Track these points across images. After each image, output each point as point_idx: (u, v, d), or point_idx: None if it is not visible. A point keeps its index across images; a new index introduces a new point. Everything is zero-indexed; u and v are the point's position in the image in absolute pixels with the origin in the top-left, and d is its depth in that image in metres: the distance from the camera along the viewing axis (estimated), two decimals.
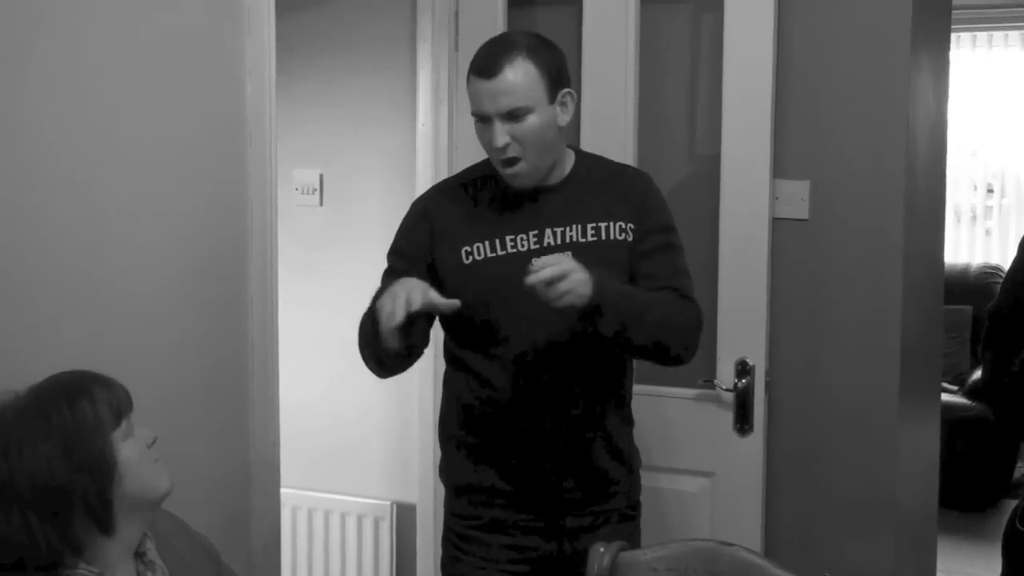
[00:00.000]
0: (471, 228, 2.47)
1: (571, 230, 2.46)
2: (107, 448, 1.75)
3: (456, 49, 3.45)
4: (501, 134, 2.35)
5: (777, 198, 3.14)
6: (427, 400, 3.55)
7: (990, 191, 7.20)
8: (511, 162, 2.39)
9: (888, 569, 3.14)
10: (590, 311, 2.27)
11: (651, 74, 3.26)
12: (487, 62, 2.35)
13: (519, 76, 2.34)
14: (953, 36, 4.17)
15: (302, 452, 3.66)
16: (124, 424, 1.79)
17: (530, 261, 2.37)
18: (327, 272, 3.82)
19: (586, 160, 2.55)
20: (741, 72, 3.11)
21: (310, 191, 3.84)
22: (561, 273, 2.21)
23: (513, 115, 2.35)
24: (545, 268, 2.21)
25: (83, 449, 1.72)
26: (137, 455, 1.79)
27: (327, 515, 3.89)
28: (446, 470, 2.62)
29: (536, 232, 2.45)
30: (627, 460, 2.58)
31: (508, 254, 2.44)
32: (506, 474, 2.48)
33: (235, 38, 2.56)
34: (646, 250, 2.48)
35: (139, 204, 2.30)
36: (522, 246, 2.45)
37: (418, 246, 2.50)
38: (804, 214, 3.14)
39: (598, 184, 2.52)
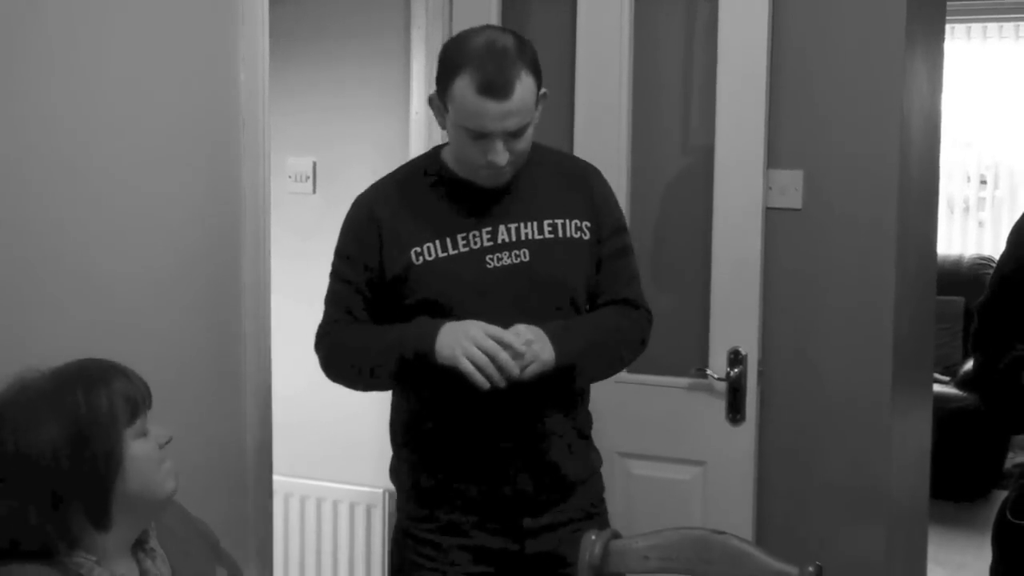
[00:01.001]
0: (420, 227, 2.39)
1: (526, 227, 2.40)
2: (116, 444, 1.73)
3: (451, 37, 3.44)
4: (502, 153, 2.29)
5: (771, 188, 3.14)
6: None
7: (983, 182, 7.21)
8: (500, 171, 2.34)
9: (879, 558, 3.15)
10: (559, 369, 2.30)
11: (645, 65, 3.26)
12: (497, 81, 2.23)
13: (526, 92, 2.27)
14: (948, 27, 4.17)
15: (295, 440, 3.66)
16: (139, 422, 1.76)
17: (484, 259, 2.37)
18: (320, 260, 3.79)
19: (537, 151, 2.46)
20: (735, 62, 3.11)
21: (303, 179, 3.84)
22: (519, 351, 2.23)
23: (516, 133, 2.29)
24: (500, 353, 2.22)
25: (91, 440, 1.70)
26: (145, 455, 1.76)
27: (319, 503, 3.90)
28: (396, 473, 2.56)
29: (489, 229, 2.39)
30: (585, 460, 2.52)
31: (460, 253, 2.38)
32: (459, 477, 2.42)
33: (228, 26, 2.55)
34: (605, 255, 2.47)
35: (132, 192, 2.29)
36: (475, 243, 2.38)
37: (365, 249, 2.43)
38: (798, 204, 3.14)
39: (551, 178, 2.47)
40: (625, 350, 2.52)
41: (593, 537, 2.30)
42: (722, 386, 3.15)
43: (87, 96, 2.18)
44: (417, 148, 3.52)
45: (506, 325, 2.30)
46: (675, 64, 3.31)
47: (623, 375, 2.90)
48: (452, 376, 2.26)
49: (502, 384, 2.24)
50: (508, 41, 2.29)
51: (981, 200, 7.23)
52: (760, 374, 3.15)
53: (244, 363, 2.63)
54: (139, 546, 1.83)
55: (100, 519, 1.73)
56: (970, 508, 5.62)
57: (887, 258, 3.09)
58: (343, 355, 2.45)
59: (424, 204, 2.42)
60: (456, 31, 3.39)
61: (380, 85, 3.70)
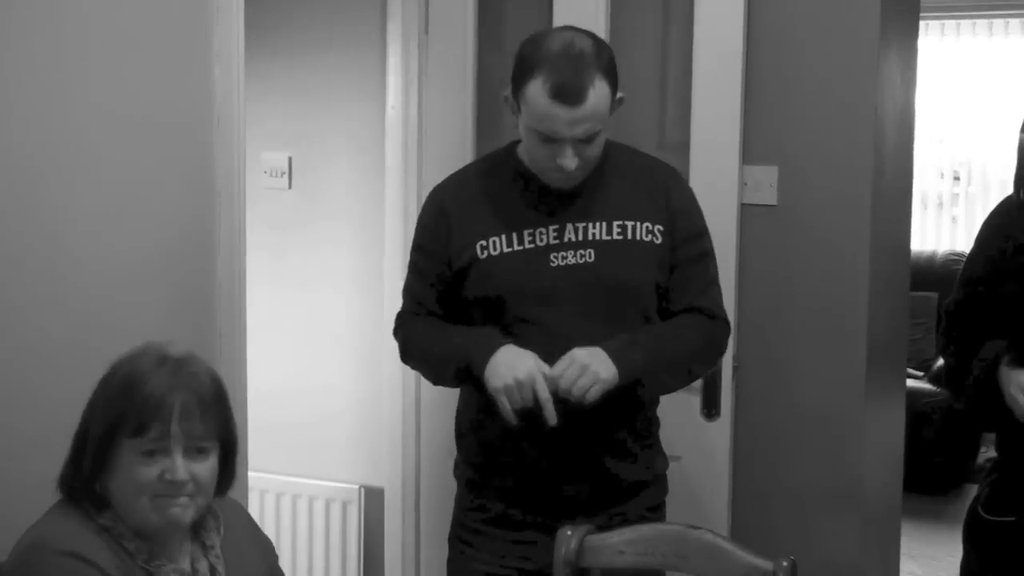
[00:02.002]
0: (487, 220, 2.39)
1: (594, 227, 2.39)
2: (109, 452, 1.76)
3: (426, 32, 3.44)
4: (571, 158, 2.28)
5: (746, 184, 3.14)
6: (396, 383, 3.55)
7: (956, 179, 7.26)
8: (569, 177, 2.32)
9: (853, 552, 3.16)
10: (628, 384, 2.28)
11: (621, 61, 3.25)
12: (571, 87, 2.21)
13: (599, 99, 2.25)
14: (922, 24, 4.18)
15: (270, 436, 3.66)
16: (144, 440, 1.75)
17: (548, 257, 2.35)
18: (296, 256, 3.81)
19: (613, 150, 2.45)
20: (710, 58, 3.11)
21: (279, 174, 3.82)
22: (577, 373, 2.22)
23: (587, 139, 2.28)
24: (560, 380, 2.22)
25: (97, 421, 1.77)
26: (135, 476, 1.75)
27: (295, 499, 3.88)
28: (459, 466, 2.58)
29: (556, 227, 2.38)
30: (648, 465, 2.52)
31: (525, 249, 2.37)
32: (516, 475, 2.42)
33: (203, 20, 2.54)
34: (680, 260, 2.44)
35: (106, 188, 2.28)
36: (540, 241, 2.37)
37: (437, 241, 2.44)
38: (772, 200, 3.15)
39: (626, 178, 2.44)
40: (695, 361, 2.49)
41: (569, 532, 2.30)
42: (697, 382, 3.15)
43: (60, 92, 2.17)
44: (393, 143, 3.51)
45: (566, 326, 2.32)
46: (651, 60, 3.31)
47: None
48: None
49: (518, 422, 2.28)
50: (586, 45, 2.27)
51: (954, 196, 7.28)
52: (735, 370, 3.15)
53: (219, 359, 2.62)
54: (203, 548, 1.87)
55: (94, 503, 1.78)
56: (943, 502, 5.66)
57: (861, 254, 3.11)
58: (412, 351, 2.48)
59: (495, 198, 2.42)
60: (432, 27, 3.40)
61: (356, 80, 3.69)
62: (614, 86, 2.31)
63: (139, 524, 1.78)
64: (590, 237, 2.38)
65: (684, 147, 3.16)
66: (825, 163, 3.12)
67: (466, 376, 2.36)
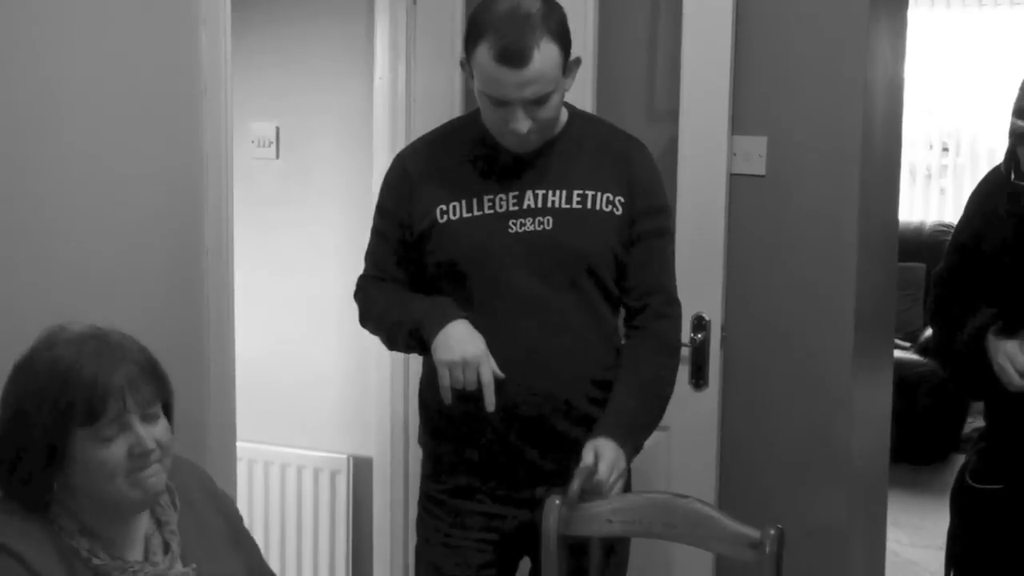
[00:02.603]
0: (449, 185, 2.40)
1: (554, 194, 2.39)
2: (58, 449, 1.70)
3: (415, 2, 3.43)
4: (523, 120, 2.27)
5: (735, 154, 3.14)
6: (384, 354, 3.53)
7: (945, 150, 7.26)
8: (524, 139, 2.32)
9: (840, 521, 3.18)
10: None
11: (610, 30, 3.25)
12: (514, 48, 2.20)
13: (546, 61, 2.24)
14: None
15: (258, 406, 3.66)
16: (99, 427, 1.71)
17: (507, 223, 2.36)
18: (284, 225, 3.80)
19: (579, 120, 2.46)
20: (700, 28, 3.10)
21: (266, 144, 3.81)
22: (616, 476, 2.29)
23: (538, 101, 2.27)
24: (602, 484, 2.28)
25: (34, 428, 1.70)
26: (99, 461, 1.71)
27: (283, 469, 3.89)
28: (422, 434, 2.59)
29: (516, 193, 2.38)
30: None
31: (484, 215, 2.38)
32: (477, 444, 2.43)
33: None
34: (638, 234, 2.43)
35: (92, 158, 2.27)
36: (500, 207, 2.38)
37: (399, 205, 2.45)
38: (761, 170, 3.15)
39: (589, 148, 2.44)
40: (669, 388, 2.52)
41: (557, 501, 2.31)
42: (686, 351, 3.14)
43: (44, 62, 2.15)
44: (381, 113, 3.50)
45: (524, 292, 2.35)
46: (640, 30, 3.30)
47: None
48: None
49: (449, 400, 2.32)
50: (533, 7, 2.25)
51: (943, 167, 7.28)
52: (723, 340, 3.16)
53: (207, 329, 2.62)
54: (155, 523, 1.84)
55: (35, 502, 1.73)
56: (930, 472, 5.68)
57: (849, 224, 3.11)
58: (369, 313, 2.50)
59: (457, 164, 2.42)
60: None
61: (344, 50, 3.67)
62: (565, 48, 2.29)
63: (116, 505, 1.75)
64: (549, 205, 2.38)
65: (673, 117, 3.16)
66: (814, 134, 3.12)
67: (416, 343, 2.38)
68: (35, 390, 1.71)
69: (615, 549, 2.51)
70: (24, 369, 1.74)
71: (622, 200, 2.41)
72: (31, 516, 1.72)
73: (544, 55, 2.23)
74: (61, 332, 1.76)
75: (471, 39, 2.28)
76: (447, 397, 2.32)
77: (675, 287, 2.52)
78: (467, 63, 2.33)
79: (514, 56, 2.21)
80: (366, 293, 2.53)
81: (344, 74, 3.68)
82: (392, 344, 2.53)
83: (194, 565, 1.84)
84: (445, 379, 2.30)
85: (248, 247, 3.39)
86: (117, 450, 1.72)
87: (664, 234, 2.49)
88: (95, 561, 1.73)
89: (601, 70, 3.23)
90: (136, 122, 2.38)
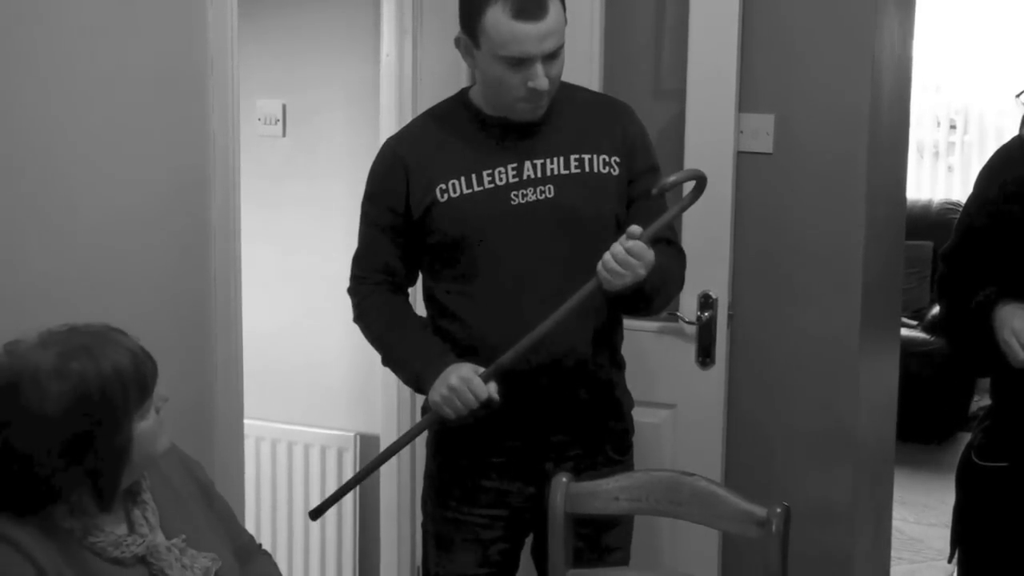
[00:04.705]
0: (445, 164, 2.40)
1: (552, 162, 2.40)
2: (128, 437, 1.74)
3: None
4: (543, 77, 2.28)
5: (742, 132, 3.14)
6: None
7: (953, 127, 7.23)
8: (540, 98, 2.33)
9: (846, 499, 3.19)
10: (632, 291, 2.29)
11: (617, 7, 3.24)
12: (530, 3, 2.24)
13: (557, 11, 2.28)
14: None
15: (265, 383, 3.67)
16: (147, 403, 1.77)
17: (509, 195, 2.36)
18: (290, 203, 3.80)
19: (566, 88, 2.46)
20: (708, 5, 3.09)
21: (273, 121, 3.81)
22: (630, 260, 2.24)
23: (553, 54, 2.29)
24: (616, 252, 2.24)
25: (107, 438, 1.71)
26: (149, 430, 1.78)
27: (290, 446, 3.90)
28: (426, 411, 2.59)
29: (515, 165, 2.39)
30: (616, 403, 2.54)
31: (485, 189, 2.38)
32: (485, 417, 2.42)
33: None
34: (637, 194, 2.45)
35: (99, 136, 2.27)
36: (500, 180, 2.39)
37: (390, 191, 2.45)
38: (768, 148, 3.15)
39: (578, 112, 2.45)
40: (678, 277, 2.52)
41: (564, 479, 2.32)
42: (692, 329, 3.16)
43: (51, 40, 2.15)
44: (388, 91, 3.49)
45: (530, 263, 2.36)
46: (647, 8, 3.29)
47: None
48: (484, 311, 2.40)
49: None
50: None
51: (951, 145, 7.25)
52: (730, 318, 3.16)
53: (215, 306, 2.62)
54: (130, 497, 1.84)
55: (106, 503, 1.75)
56: (936, 450, 5.69)
57: (857, 202, 3.11)
58: (368, 333, 2.54)
59: (450, 142, 2.43)
60: None
61: (351, 27, 3.66)
62: (563, 2, 2.33)
63: (159, 454, 1.83)
64: (549, 173, 2.40)
65: (681, 95, 3.15)
66: (821, 111, 3.11)
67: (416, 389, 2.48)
68: (80, 396, 1.69)
69: (620, 521, 2.52)
70: (37, 387, 1.69)
71: (617, 160, 2.44)
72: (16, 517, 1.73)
73: (556, 5, 2.27)
74: (19, 346, 1.73)
75: (475, 9, 2.29)
76: (452, 420, 2.37)
77: (678, 239, 2.55)
78: (468, 37, 2.33)
79: (532, 9, 2.24)
80: (363, 307, 2.55)
81: (351, 52, 3.68)
82: (386, 365, 2.58)
83: (183, 536, 1.86)
84: (446, 413, 2.35)
85: (255, 225, 3.39)
86: (153, 410, 1.79)
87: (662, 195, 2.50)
88: (90, 539, 1.74)
89: (608, 48, 3.22)
90: (143, 100, 2.38)
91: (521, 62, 2.27)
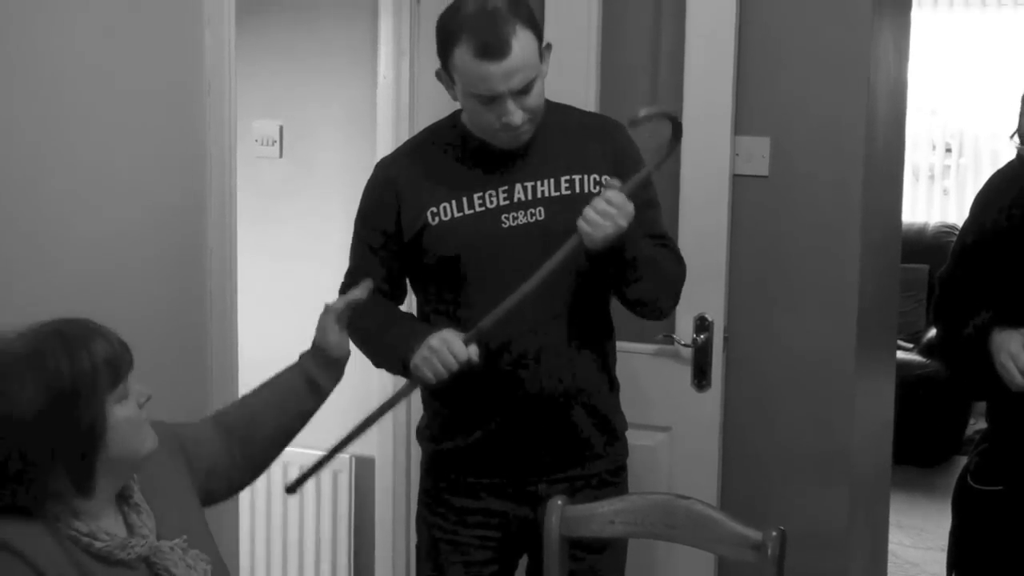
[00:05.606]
0: (436, 188, 2.41)
1: (543, 184, 2.40)
2: (100, 412, 1.72)
3: (418, 1, 3.42)
4: (515, 111, 2.29)
5: (738, 154, 3.14)
6: None
7: (948, 150, 7.25)
8: (516, 130, 2.33)
9: (842, 522, 3.18)
10: (610, 249, 2.28)
11: (614, 29, 3.25)
12: (492, 41, 2.23)
13: (524, 48, 2.26)
14: None
15: None
16: (121, 386, 1.76)
17: (500, 219, 2.36)
18: (287, 225, 3.80)
19: (555, 110, 2.47)
20: (704, 28, 3.10)
21: (269, 143, 3.81)
22: (608, 209, 2.23)
23: (524, 89, 2.29)
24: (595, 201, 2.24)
25: (76, 412, 1.69)
26: (127, 418, 1.76)
27: (286, 467, 3.87)
28: (422, 432, 2.60)
29: (506, 188, 2.39)
30: (609, 425, 2.53)
31: (476, 212, 2.39)
32: (477, 438, 2.44)
33: None
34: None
35: (96, 157, 2.27)
36: (491, 203, 2.39)
37: (381, 212, 2.46)
38: (764, 171, 3.15)
39: (568, 133, 2.46)
40: (673, 271, 2.49)
41: (559, 501, 2.31)
42: (688, 352, 3.16)
43: (49, 60, 2.15)
44: (385, 112, 3.50)
45: (520, 285, 2.33)
46: (644, 31, 3.30)
47: None
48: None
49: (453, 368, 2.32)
50: (499, 1, 2.28)
51: (946, 168, 7.27)
52: (726, 340, 3.16)
53: (210, 327, 2.62)
54: (123, 500, 1.83)
55: (84, 486, 1.73)
56: (932, 473, 5.68)
57: (852, 225, 3.11)
58: (356, 336, 2.48)
59: (442, 165, 2.43)
60: None
61: (348, 49, 3.67)
62: (538, 34, 2.33)
63: (145, 453, 1.80)
64: (539, 195, 2.40)
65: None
66: (817, 134, 3.12)
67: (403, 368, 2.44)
68: (51, 375, 1.69)
69: (612, 544, 2.52)
70: (9, 375, 1.69)
71: (608, 178, 2.42)
72: (30, 520, 1.72)
73: (521, 42, 2.26)
74: (16, 333, 1.73)
75: (446, 46, 2.30)
76: (431, 382, 2.34)
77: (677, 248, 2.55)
78: (444, 72, 2.35)
79: (494, 49, 2.23)
80: (354, 321, 2.50)
81: (347, 73, 3.68)
82: (378, 365, 2.58)
83: (185, 536, 1.86)
84: (426, 375, 2.33)
85: (251, 246, 3.39)
86: (132, 405, 1.77)
87: (654, 205, 2.51)
88: (97, 545, 1.74)
89: (604, 70, 3.23)
90: (140, 121, 2.39)
91: (491, 99, 2.28)
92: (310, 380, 2.28)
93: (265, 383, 2.23)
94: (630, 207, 2.26)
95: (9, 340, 1.72)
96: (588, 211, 2.25)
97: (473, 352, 2.31)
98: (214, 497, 2.11)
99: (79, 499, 1.74)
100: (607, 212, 2.24)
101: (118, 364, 1.75)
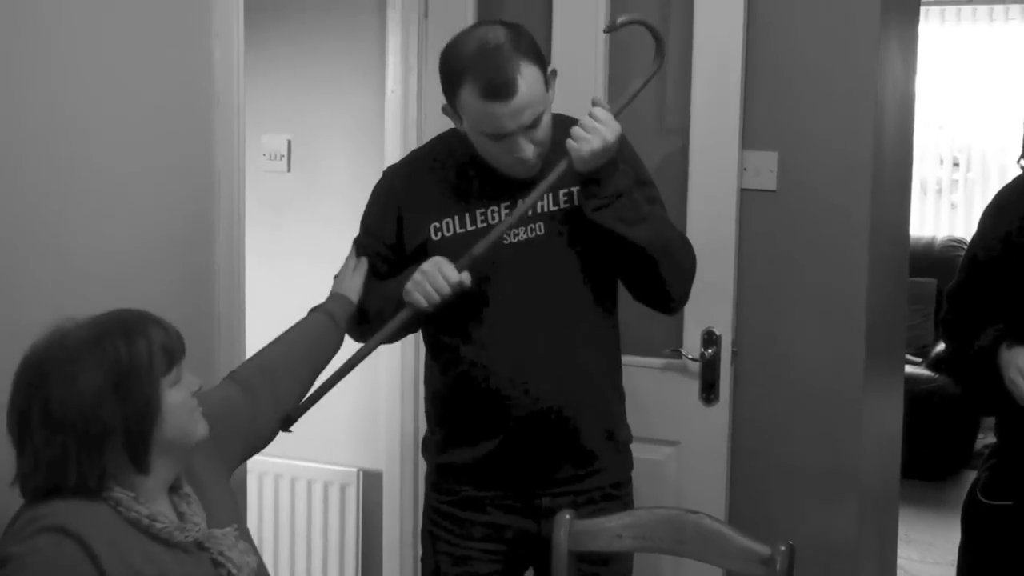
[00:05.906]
0: (439, 202, 2.42)
1: (543, 199, 2.40)
2: (155, 392, 1.80)
3: (426, 16, 3.44)
4: (527, 147, 2.30)
5: (745, 169, 3.14)
6: (394, 367, 3.55)
7: (956, 165, 7.25)
8: (528, 163, 2.33)
9: (851, 537, 3.17)
10: (600, 171, 2.29)
11: (620, 44, 3.25)
12: (499, 82, 2.22)
13: (531, 84, 2.25)
14: (922, 10, 4.18)
15: None
16: (174, 371, 1.84)
17: (502, 236, 2.36)
18: (294, 239, 3.81)
19: (556, 124, 2.44)
20: (711, 43, 3.11)
21: (278, 157, 3.82)
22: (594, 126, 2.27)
23: (533, 124, 2.29)
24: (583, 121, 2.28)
25: (133, 389, 1.77)
26: (180, 402, 1.84)
27: (293, 482, 3.89)
28: (427, 445, 2.60)
29: (508, 204, 2.39)
30: (614, 437, 2.53)
31: (478, 229, 2.39)
32: (482, 452, 2.44)
33: (202, 1, 2.53)
34: None
35: (104, 172, 2.28)
36: (493, 219, 2.40)
37: (383, 222, 2.48)
38: (772, 185, 3.15)
39: (566, 145, 2.44)
40: (676, 242, 2.47)
41: (568, 516, 2.31)
42: (696, 367, 3.16)
43: (57, 74, 2.16)
44: (393, 127, 3.51)
45: (523, 301, 2.36)
46: (651, 45, 3.30)
47: None
48: (481, 349, 2.38)
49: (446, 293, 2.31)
50: (500, 36, 2.26)
51: (954, 182, 7.27)
52: (734, 355, 3.16)
53: (218, 343, 2.62)
54: (174, 491, 1.90)
55: (140, 462, 1.79)
56: (940, 488, 5.67)
57: (860, 239, 3.11)
58: (361, 313, 2.51)
59: (445, 180, 2.44)
60: (432, 11, 3.39)
61: (356, 63, 3.68)
62: (542, 64, 2.32)
63: (197, 439, 1.89)
64: (539, 210, 2.40)
65: (684, 132, 3.16)
66: (825, 149, 3.12)
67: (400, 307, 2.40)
68: (110, 357, 1.77)
69: (617, 559, 2.51)
70: (71, 358, 1.77)
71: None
72: (98, 503, 1.78)
73: (527, 79, 2.25)
74: (67, 323, 1.83)
75: (451, 86, 2.30)
76: (424, 306, 2.33)
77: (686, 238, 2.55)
78: (451, 108, 2.35)
79: (500, 89, 2.22)
80: (359, 307, 2.53)
81: (356, 88, 3.69)
82: (390, 337, 2.50)
83: (235, 525, 1.94)
84: (418, 300, 2.32)
85: (259, 260, 3.40)
86: (183, 391, 1.86)
87: (655, 200, 2.50)
88: (157, 526, 1.79)
89: (612, 84, 3.23)
90: (148, 135, 2.39)
91: (501, 136, 2.28)
92: (327, 311, 2.47)
93: (280, 335, 2.41)
94: (616, 124, 2.29)
95: (74, 328, 1.81)
96: (575, 128, 2.29)
97: (465, 277, 2.31)
98: (243, 456, 2.25)
99: (137, 476, 1.80)
100: (593, 127, 2.27)
101: (172, 350, 1.84)
